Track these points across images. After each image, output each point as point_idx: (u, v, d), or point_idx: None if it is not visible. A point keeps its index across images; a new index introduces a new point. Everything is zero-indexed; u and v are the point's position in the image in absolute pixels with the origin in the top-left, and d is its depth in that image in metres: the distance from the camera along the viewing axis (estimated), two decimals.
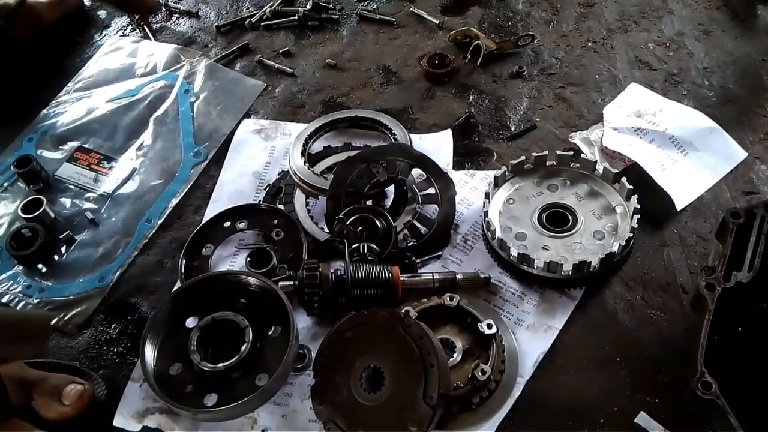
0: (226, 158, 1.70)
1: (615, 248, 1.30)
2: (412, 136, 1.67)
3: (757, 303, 1.20)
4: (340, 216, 1.42)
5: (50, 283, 1.52)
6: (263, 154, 1.70)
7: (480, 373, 1.20)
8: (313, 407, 1.20)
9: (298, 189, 1.58)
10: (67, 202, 1.66)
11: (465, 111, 1.75)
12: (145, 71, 1.94)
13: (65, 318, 1.44)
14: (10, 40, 1.92)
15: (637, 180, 1.43)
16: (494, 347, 1.25)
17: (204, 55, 1.96)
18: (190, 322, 1.32)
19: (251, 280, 1.35)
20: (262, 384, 1.23)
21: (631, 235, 1.32)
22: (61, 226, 1.61)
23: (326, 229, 1.49)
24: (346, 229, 1.40)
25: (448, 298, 1.31)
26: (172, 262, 1.53)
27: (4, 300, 1.50)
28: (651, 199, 1.44)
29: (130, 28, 2.11)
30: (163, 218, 1.61)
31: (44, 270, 1.54)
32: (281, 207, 1.55)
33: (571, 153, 1.49)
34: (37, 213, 1.57)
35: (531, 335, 1.33)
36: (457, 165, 1.64)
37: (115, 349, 1.40)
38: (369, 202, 1.50)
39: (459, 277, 1.38)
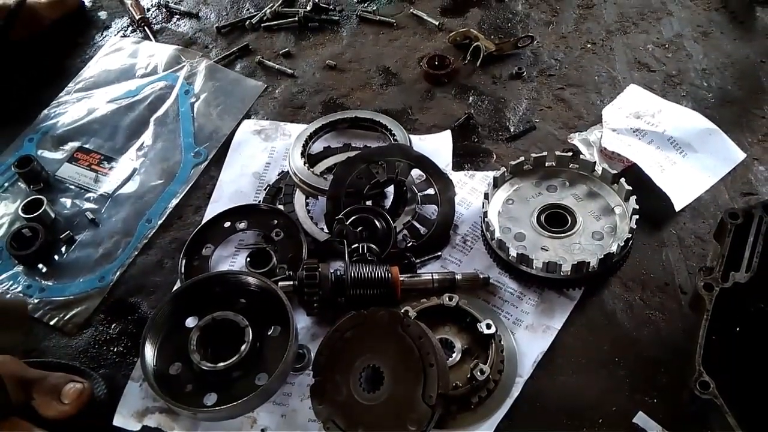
0: (226, 159, 1.71)
1: (614, 249, 1.30)
2: (412, 136, 1.67)
3: (754, 303, 1.21)
4: (339, 216, 1.42)
5: (50, 283, 1.52)
6: (263, 154, 1.70)
7: (479, 373, 1.21)
8: (313, 407, 1.20)
9: (297, 189, 1.58)
10: (67, 202, 1.67)
11: (464, 112, 1.76)
12: (146, 72, 1.94)
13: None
14: (10, 42, 1.92)
15: (636, 181, 1.44)
16: (493, 347, 1.25)
17: (204, 56, 1.97)
18: (190, 321, 1.33)
19: (251, 280, 1.35)
20: (262, 383, 1.23)
21: (630, 235, 1.33)
22: (62, 226, 1.61)
23: (326, 230, 1.50)
24: (345, 229, 1.40)
25: (447, 298, 1.32)
26: (172, 262, 1.53)
27: None
28: (650, 200, 1.45)
29: (130, 29, 2.12)
30: (163, 218, 1.61)
31: (44, 270, 1.55)
32: (281, 207, 1.56)
33: (570, 154, 1.49)
34: (37, 213, 1.57)
35: (530, 335, 1.33)
36: (457, 166, 1.64)
37: (115, 349, 1.40)
38: (369, 203, 1.50)
39: (458, 277, 1.38)
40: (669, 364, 1.27)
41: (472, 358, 1.27)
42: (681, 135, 1.59)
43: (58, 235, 1.58)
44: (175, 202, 1.64)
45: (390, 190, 1.57)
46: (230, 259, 1.51)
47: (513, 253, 1.34)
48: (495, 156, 1.66)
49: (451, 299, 1.31)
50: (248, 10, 2.14)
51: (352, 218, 1.44)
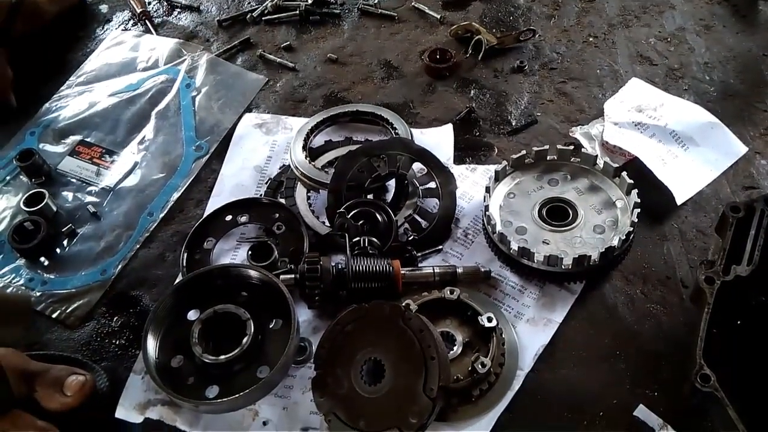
0: (227, 152, 1.71)
1: (615, 242, 1.30)
2: (413, 130, 1.67)
3: (756, 296, 1.21)
4: (341, 210, 1.42)
5: (52, 276, 1.52)
6: (264, 148, 1.70)
7: (480, 366, 1.21)
8: (314, 399, 1.21)
9: (299, 183, 1.58)
10: (69, 195, 1.67)
11: (466, 106, 1.75)
12: (147, 65, 1.94)
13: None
14: (11, 38, 1.92)
15: (638, 174, 1.44)
16: (494, 340, 1.26)
17: (205, 50, 1.96)
18: (192, 314, 1.33)
19: (252, 273, 1.35)
20: (264, 376, 1.23)
21: (631, 229, 1.33)
22: (63, 219, 1.61)
23: (327, 223, 1.50)
24: (347, 222, 1.40)
25: (448, 292, 1.32)
26: (173, 255, 1.53)
27: None
28: (651, 193, 1.44)
29: (131, 22, 2.11)
30: (165, 212, 1.61)
31: (46, 263, 1.55)
32: (282, 201, 1.56)
33: (572, 147, 1.49)
34: (39, 206, 1.57)
35: (531, 328, 1.33)
36: (458, 159, 1.64)
37: (117, 342, 1.41)
38: (370, 196, 1.50)
39: (459, 270, 1.38)
40: (670, 357, 1.27)
41: (473, 351, 1.27)
42: (683, 129, 1.59)
43: (59, 229, 1.58)
44: (176, 195, 1.64)
45: (391, 183, 1.57)
46: (232, 253, 1.51)
47: (514, 246, 1.34)
48: (496, 150, 1.66)
49: (452, 292, 1.32)
50: (249, 3, 2.14)
51: (354, 212, 1.44)
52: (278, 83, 1.89)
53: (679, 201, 1.48)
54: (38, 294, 1.49)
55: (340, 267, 1.33)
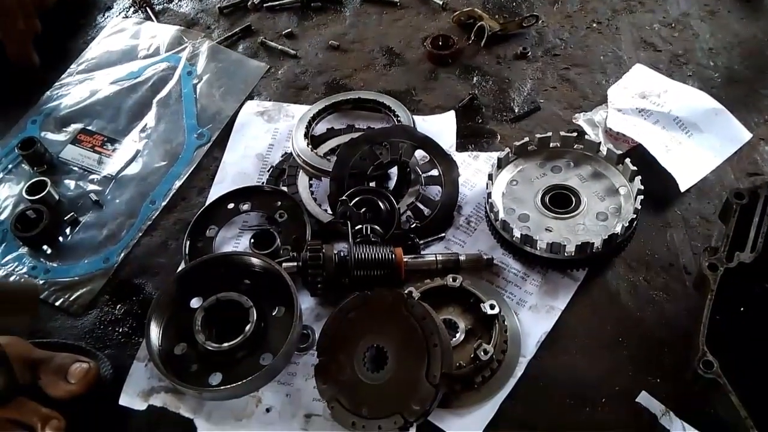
0: (229, 140, 1.70)
1: (618, 229, 1.30)
2: (416, 117, 1.66)
3: (759, 283, 1.21)
4: (343, 197, 1.42)
5: (55, 264, 1.52)
6: (266, 135, 1.70)
7: (482, 353, 1.21)
8: (317, 386, 1.21)
9: (301, 171, 1.58)
10: (71, 183, 1.67)
11: (468, 92, 1.74)
12: (148, 53, 1.93)
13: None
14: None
15: (641, 161, 1.43)
16: (497, 327, 1.26)
17: (206, 37, 1.95)
18: (195, 302, 1.33)
19: (255, 261, 1.35)
20: (267, 363, 1.24)
21: (635, 216, 1.32)
22: (66, 207, 1.61)
23: (329, 211, 1.50)
24: (349, 210, 1.40)
25: (451, 279, 1.32)
26: (176, 243, 1.53)
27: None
28: (655, 180, 1.44)
29: (132, 9, 2.10)
30: (167, 200, 1.61)
31: (49, 251, 1.55)
32: (284, 189, 1.55)
33: (575, 134, 1.48)
34: (41, 195, 1.57)
35: (533, 316, 1.33)
36: (461, 146, 1.64)
37: (121, 330, 1.41)
38: (372, 184, 1.50)
39: (462, 258, 1.38)
40: (673, 344, 1.27)
41: (475, 338, 1.27)
42: (687, 115, 1.58)
43: (62, 217, 1.58)
44: (178, 183, 1.64)
45: (394, 171, 1.56)
46: (234, 241, 1.51)
47: (517, 233, 1.33)
48: (499, 137, 1.66)
49: (454, 280, 1.31)
50: None
51: (356, 199, 1.44)
52: (280, 70, 1.88)
53: (682, 188, 1.47)
54: (41, 282, 1.49)
55: (342, 255, 1.33)
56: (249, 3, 2.06)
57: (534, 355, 1.28)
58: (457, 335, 1.26)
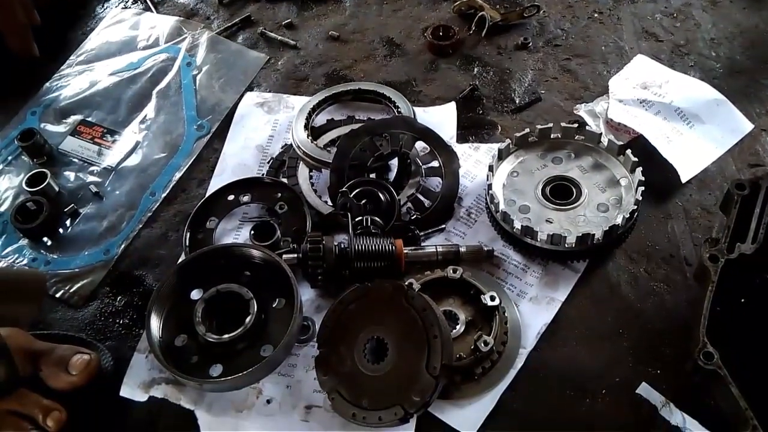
0: (229, 131, 1.70)
1: (619, 221, 1.29)
2: (416, 109, 1.66)
3: (760, 275, 1.20)
4: (343, 189, 1.41)
5: (55, 256, 1.52)
6: (266, 127, 1.69)
7: (482, 345, 1.21)
8: (318, 378, 1.21)
9: (301, 162, 1.57)
10: (71, 175, 1.66)
11: (469, 83, 1.74)
12: (147, 44, 1.92)
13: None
14: None
15: (642, 152, 1.42)
16: (497, 319, 1.26)
17: (206, 28, 1.94)
18: (195, 294, 1.33)
19: (255, 252, 1.35)
20: (267, 355, 1.24)
21: (635, 207, 1.32)
22: (66, 199, 1.61)
23: (330, 203, 1.49)
24: (349, 202, 1.40)
25: (451, 271, 1.32)
26: (176, 235, 1.53)
27: None
28: (656, 171, 1.43)
29: (131, 0, 2.09)
30: (167, 191, 1.61)
31: (49, 243, 1.55)
32: (285, 180, 1.55)
33: (576, 125, 1.47)
34: (41, 186, 1.57)
35: (534, 307, 1.33)
36: (461, 138, 1.63)
37: (121, 321, 1.41)
38: (372, 176, 1.49)
39: (462, 249, 1.38)
40: (673, 335, 1.27)
41: (475, 329, 1.27)
42: (688, 106, 1.58)
43: (62, 209, 1.58)
44: (178, 175, 1.63)
45: (394, 162, 1.56)
46: (234, 232, 1.51)
47: (517, 225, 1.33)
48: (500, 128, 1.65)
49: (455, 271, 1.31)
50: None
51: (356, 191, 1.43)
52: (279, 61, 1.87)
53: (683, 179, 1.47)
54: None
55: (342, 246, 1.33)
56: None
57: (534, 346, 1.28)
58: (458, 327, 1.26)
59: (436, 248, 1.38)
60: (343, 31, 1.93)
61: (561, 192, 1.41)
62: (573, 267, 1.38)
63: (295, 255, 1.34)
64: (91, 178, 1.65)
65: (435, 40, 1.82)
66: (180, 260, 1.45)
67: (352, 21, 1.96)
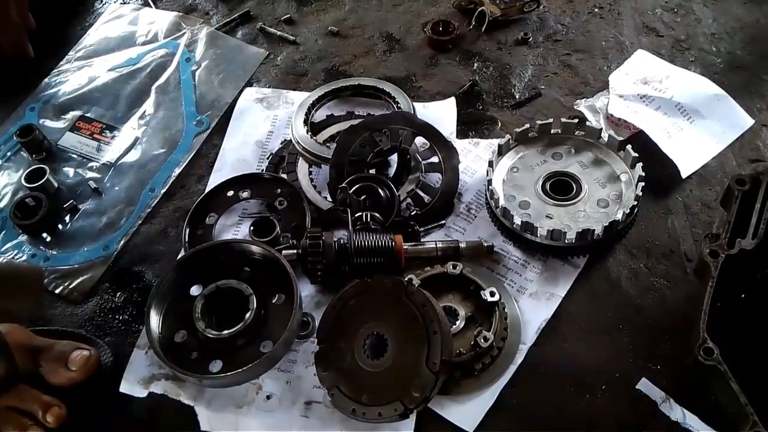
0: (228, 127, 1.69)
1: (619, 216, 1.29)
2: (416, 104, 1.65)
3: (761, 270, 1.20)
4: (343, 185, 1.41)
5: (55, 252, 1.52)
6: (266, 122, 1.69)
7: (482, 340, 1.21)
8: (317, 373, 1.21)
9: (300, 158, 1.57)
10: (70, 171, 1.66)
11: (469, 79, 1.73)
12: (146, 39, 1.92)
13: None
14: None
15: (643, 148, 1.42)
16: (497, 315, 1.26)
17: (205, 23, 1.94)
18: (195, 290, 1.33)
19: (255, 248, 1.35)
20: (267, 351, 1.24)
21: (636, 203, 1.32)
22: (65, 195, 1.61)
23: (329, 198, 1.49)
24: (349, 197, 1.40)
25: (451, 266, 1.31)
26: (175, 230, 1.53)
27: None
28: (656, 166, 1.43)
29: None
30: (167, 187, 1.60)
31: (49, 239, 1.55)
32: (284, 176, 1.55)
33: (576, 121, 1.47)
34: (40, 182, 1.57)
35: (534, 303, 1.33)
36: (461, 133, 1.63)
37: (121, 317, 1.41)
38: (372, 171, 1.49)
39: (462, 245, 1.38)
40: (673, 331, 1.27)
41: (475, 325, 1.27)
42: (689, 101, 1.57)
43: (61, 205, 1.58)
44: (177, 171, 1.63)
45: (394, 158, 1.56)
46: (234, 228, 1.51)
47: (517, 221, 1.33)
48: (500, 123, 1.65)
49: (455, 267, 1.31)
50: None
51: (356, 187, 1.43)
52: (279, 57, 1.87)
53: (684, 174, 1.46)
54: None
55: (342, 242, 1.33)
56: None
57: (534, 342, 1.28)
58: (457, 322, 1.26)
59: (436, 244, 1.38)
60: (343, 26, 1.92)
61: (561, 187, 1.40)
62: (573, 263, 1.37)
63: (295, 251, 1.34)
64: (90, 174, 1.65)
65: (435, 35, 1.82)
66: (179, 256, 1.45)
67: (351, 16, 1.96)
